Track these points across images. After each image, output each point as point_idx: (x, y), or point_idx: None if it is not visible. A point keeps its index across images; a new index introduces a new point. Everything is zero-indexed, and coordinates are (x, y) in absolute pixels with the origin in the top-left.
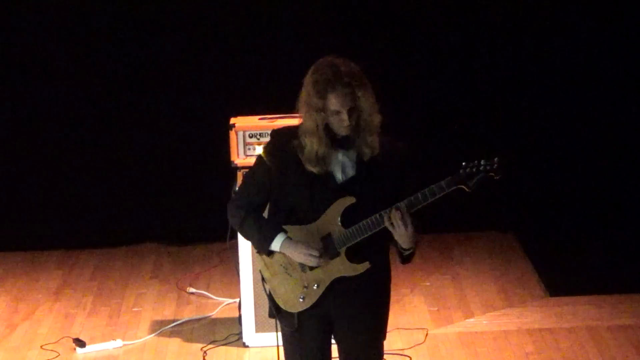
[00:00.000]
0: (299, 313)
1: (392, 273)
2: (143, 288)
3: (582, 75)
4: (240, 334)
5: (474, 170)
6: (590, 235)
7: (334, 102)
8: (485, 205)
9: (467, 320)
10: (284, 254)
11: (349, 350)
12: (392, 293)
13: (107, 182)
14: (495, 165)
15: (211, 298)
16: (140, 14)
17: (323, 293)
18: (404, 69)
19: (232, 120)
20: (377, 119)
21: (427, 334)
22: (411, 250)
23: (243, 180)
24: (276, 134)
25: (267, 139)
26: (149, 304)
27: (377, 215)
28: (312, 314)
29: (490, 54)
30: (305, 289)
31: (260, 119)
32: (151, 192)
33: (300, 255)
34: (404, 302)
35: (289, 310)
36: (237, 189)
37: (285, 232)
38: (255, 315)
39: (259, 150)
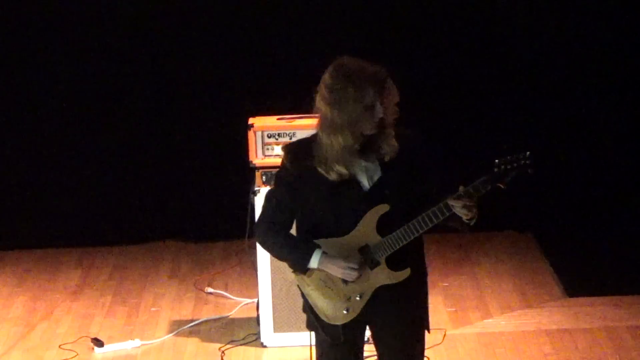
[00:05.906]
0: (344, 325)
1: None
2: (161, 288)
3: (603, 77)
4: (258, 334)
5: (509, 167)
6: (608, 235)
7: (371, 94)
8: (503, 205)
9: (485, 320)
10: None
11: (392, 355)
12: None
13: (126, 181)
14: (529, 160)
15: (229, 298)
16: (159, 13)
17: (366, 303)
18: (431, 66)
19: (251, 120)
20: (396, 113)
21: (445, 335)
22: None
23: (266, 201)
24: (290, 148)
25: (286, 139)
26: (167, 303)
27: (431, 214)
28: (353, 323)
29: (511, 51)
30: (348, 301)
31: (278, 119)
32: (170, 192)
33: (338, 270)
34: None
35: (333, 323)
36: (261, 210)
37: (320, 247)
38: (274, 315)
39: (277, 150)
